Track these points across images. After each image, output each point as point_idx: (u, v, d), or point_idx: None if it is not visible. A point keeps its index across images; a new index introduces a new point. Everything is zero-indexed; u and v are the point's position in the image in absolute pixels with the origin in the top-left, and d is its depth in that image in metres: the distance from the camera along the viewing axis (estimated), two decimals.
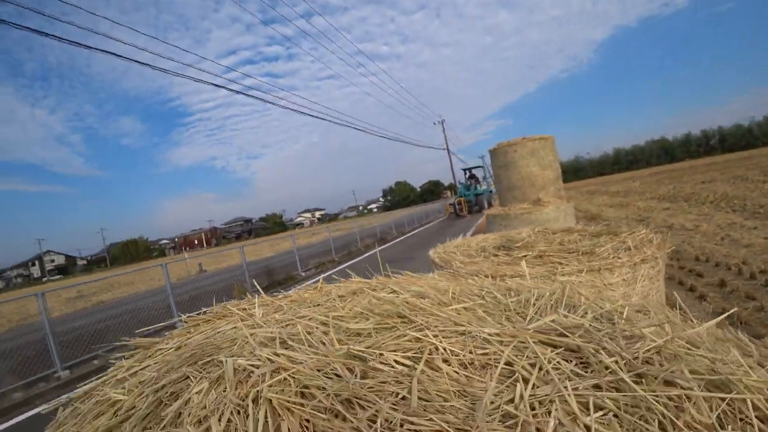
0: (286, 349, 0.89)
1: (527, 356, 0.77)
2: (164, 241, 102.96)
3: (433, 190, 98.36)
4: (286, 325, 1.06)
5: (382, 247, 16.08)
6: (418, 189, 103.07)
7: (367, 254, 15.02)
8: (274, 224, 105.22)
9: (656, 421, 0.62)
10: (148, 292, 14.60)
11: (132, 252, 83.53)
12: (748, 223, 7.28)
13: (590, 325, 0.87)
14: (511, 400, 0.67)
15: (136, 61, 9.59)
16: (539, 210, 4.85)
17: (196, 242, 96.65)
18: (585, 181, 56.82)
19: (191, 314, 1.55)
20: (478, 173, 29.68)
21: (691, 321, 1.05)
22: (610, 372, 0.71)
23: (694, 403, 0.64)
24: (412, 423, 0.65)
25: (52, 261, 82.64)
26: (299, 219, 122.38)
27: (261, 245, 31.90)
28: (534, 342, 0.81)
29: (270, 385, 0.76)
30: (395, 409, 0.68)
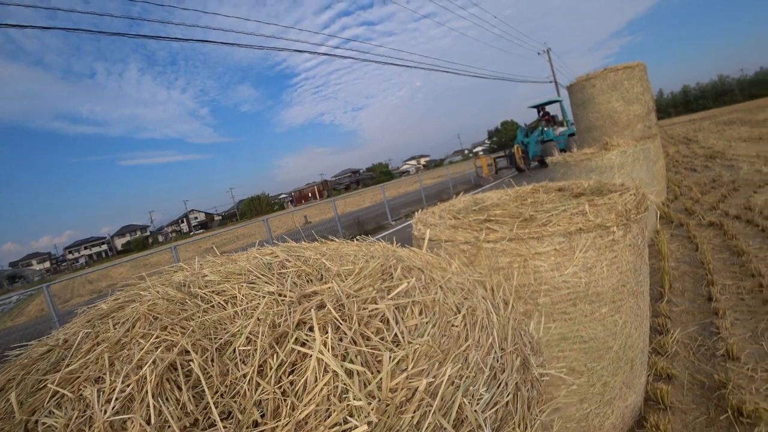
0: None
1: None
2: (283, 196, 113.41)
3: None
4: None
5: (475, 192, 15.76)
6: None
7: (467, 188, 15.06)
8: (381, 173, 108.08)
9: None
10: (262, 241, 16.48)
11: (256, 207, 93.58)
12: None
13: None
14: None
15: (236, 44, 10.21)
16: (601, 155, 4.27)
17: (309, 195, 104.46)
18: (729, 108, 47.16)
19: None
20: (557, 112, 21.56)
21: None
22: None
23: None
24: None
25: (196, 218, 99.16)
26: (405, 167, 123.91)
27: (364, 194, 33.61)
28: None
29: None
30: None
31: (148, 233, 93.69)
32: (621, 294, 1.53)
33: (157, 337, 0.95)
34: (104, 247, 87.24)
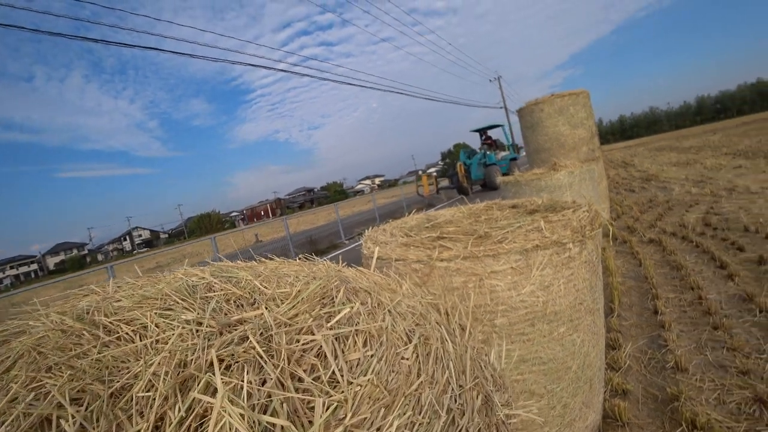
0: None
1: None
2: (234, 213, 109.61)
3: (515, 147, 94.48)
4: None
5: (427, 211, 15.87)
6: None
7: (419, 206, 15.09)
8: (335, 192, 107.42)
9: None
10: (204, 261, 15.74)
11: (206, 224, 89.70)
12: None
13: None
14: None
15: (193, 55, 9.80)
16: (550, 176, 4.38)
17: (262, 213, 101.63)
18: (659, 136, 51.71)
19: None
20: (500, 136, 21.42)
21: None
22: None
23: None
24: None
25: (140, 236, 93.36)
26: (359, 186, 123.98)
27: (318, 213, 33.13)
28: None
29: None
30: None
31: (86, 251, 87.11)
32: (578, 312, 1.48)
33: (35, 381, 0.76)
34: (34, 266, 79.92)
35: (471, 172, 17.89)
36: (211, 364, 0.62)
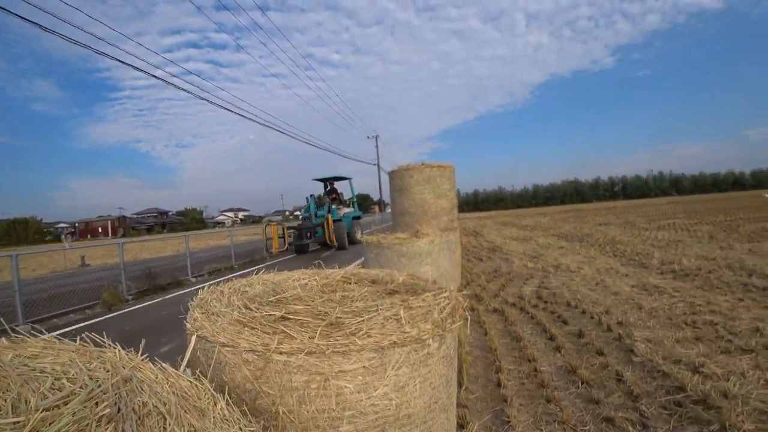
0: None
1: None
2: (62, 225, 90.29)
3: (361, 203, 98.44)
4: None
5: (287, 258, 15.21)
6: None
7: (270, 263, 14.12)
8: (192, 220, 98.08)
9: None
10: (4, 284, 12.29)
11: (20, 234, 72.08)
12: (622, 270, 7.60)
13: None
14: None
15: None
16: (412, 242, 4.50)
17: (99, 230, 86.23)
18: (504, 212, 60.24)
19: None
20: (345, 189, 19.06)
21: None
22: None
23: None
24: None
25: None
26: (221, 217, 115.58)
27: (169, 241, 29.24)
28: None
29: None
30: None
31: None
32: (433, 412, 1.33)
33: None
34: None
35: (314, 228, 15.34)
36: None
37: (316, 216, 15.85)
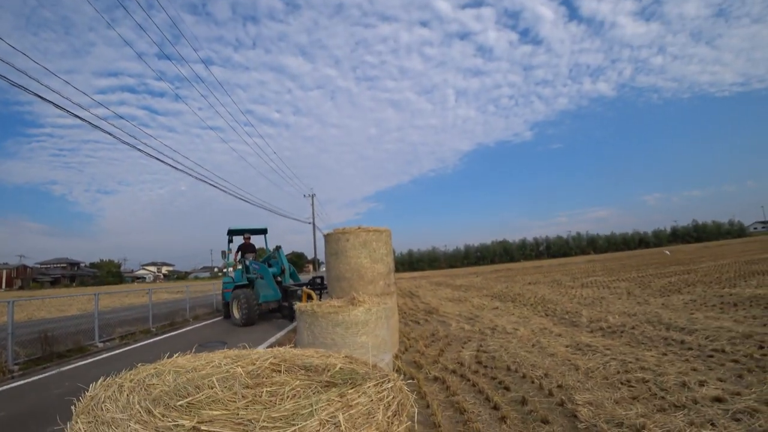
0: None
1: None
2: None
3: (296, 262, 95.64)
4: None
5: (212, 320, 13.92)
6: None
7: (192, 327, 12.80)
8: (108, 273, 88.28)
9: None
10: None
11: None
12: (555, 329, 7.81)
13: None
14: None
15: None
16: (348, 311, 4.26)
17: None
18: (438, 272, 61.39)
19: None
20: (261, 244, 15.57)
21: None
22: None
23: None
24: None
25: None
26: (142, 272, 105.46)
27: (76, 299, 25.25)
28: None
29: None
30: None
31: None
32: None
33: None
34: None
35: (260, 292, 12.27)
36: None
37: (247, 271, 13.52)
